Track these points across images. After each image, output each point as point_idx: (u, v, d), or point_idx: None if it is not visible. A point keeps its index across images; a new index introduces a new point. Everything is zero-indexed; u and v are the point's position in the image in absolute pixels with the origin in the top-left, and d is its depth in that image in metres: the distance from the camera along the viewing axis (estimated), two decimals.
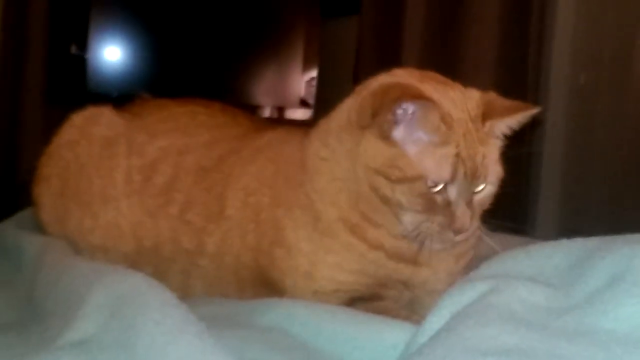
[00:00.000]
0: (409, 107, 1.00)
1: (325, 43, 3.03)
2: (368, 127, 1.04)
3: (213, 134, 1.31)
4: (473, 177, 1.03)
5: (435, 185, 1.01)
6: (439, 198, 1.02)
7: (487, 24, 2.49)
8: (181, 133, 1.32)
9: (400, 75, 1.10)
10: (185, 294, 1.16)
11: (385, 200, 1.03)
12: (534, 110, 1.09)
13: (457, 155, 1.01)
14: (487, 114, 1.06)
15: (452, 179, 1.01)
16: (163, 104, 1.42)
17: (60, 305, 0.97)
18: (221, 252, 1.19)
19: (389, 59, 2.60)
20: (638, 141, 2.46)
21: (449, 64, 2.52)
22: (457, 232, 1.03)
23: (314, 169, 1.12)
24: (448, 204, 1.02)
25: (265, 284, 1.14)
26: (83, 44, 2.76)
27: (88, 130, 1.36)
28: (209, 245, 1.20)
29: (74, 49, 2.75)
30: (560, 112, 2.65)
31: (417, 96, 1.01)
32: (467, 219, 1.03)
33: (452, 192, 1.02)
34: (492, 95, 1.10)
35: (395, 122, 1.01)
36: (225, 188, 1.21)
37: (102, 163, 1.32)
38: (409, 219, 1.03)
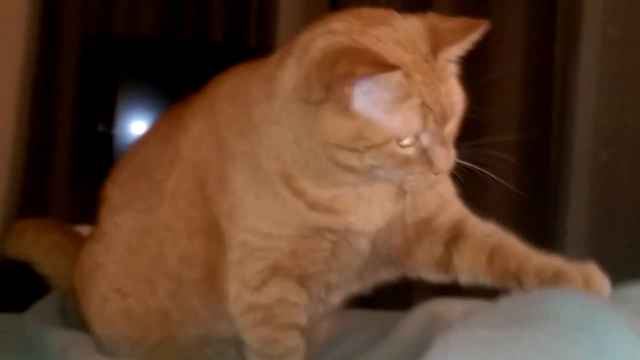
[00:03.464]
0: (359, 72, 0.93)
1: None
2: (321, 104, 0.97)
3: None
4: (442, 120, 0.98)
5: (406, 139, 0.97)
6: (412, 150, 0.98)
7: (510, 103, 2.51)
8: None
9: (339, 32, 0.99)
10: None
11: (352, 170, 0.99)
12: (484, 27, 1.02)
13: (423, 104, 0.96)
14: (437, 45, 0.99)
15: (423, 128, 0.96)
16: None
17: None
18: (176, 192, 1.18)
19: None
20: None
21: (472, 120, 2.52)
22: (438, 172, 1.00)
23: (261, 126, 1.07)
24: (423, 150, 0.98)
25: (212, 231, 1.14)
26: (110, 120, 2.81)
27: None
28: (165, 189, 1.19)
29: (100, 127, 2.80)
30: (583, 189, 2.64)
31: (375, 66, 0.93)
32: (445, 158, 0.99)
33: (425, 140, 0.98)
34: (434, 19, 1.02)
35: (353, 94, 0.94)
36: (179, 138, 1.20)
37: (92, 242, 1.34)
38: (383, 177, 1.01)
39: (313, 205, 1.06)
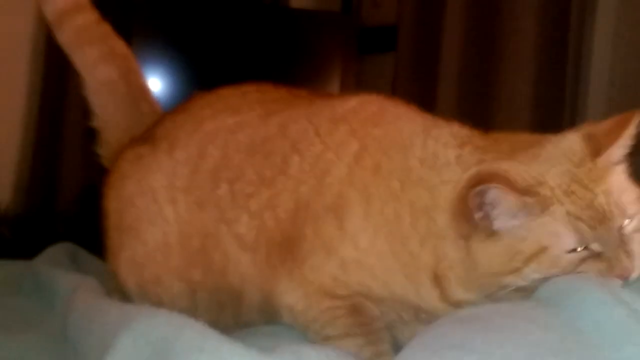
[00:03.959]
0: (485, 196, 0.93)
1: (362, 79, 3.05)
2: (469, 237, 0.96)
3: (268, 107, 1.20)
4: (604, 221, 0.93)
5: (574, 250, 0.93)
6: (581, 254, 0.93)
7: (522, 62, 2.48)
8: (230, 112, 1.21)
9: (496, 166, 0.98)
10: (220, 285, 1.14)
11: (521, 290, 0.95)
12: (637, 117, 0.98)
13: (569, 213, 0.92)
14: (594, 150, 0.96)
15: (583, 238, 0.93)
16: (209, 93, 1.31)
17: (93, 351, 0.98)
18: (262, 209, 1.11)
19: (425, 95, 2.62)
20: None
21: (484, 101, 2.51)
22: (622, 277, 0.94)
23: (417, 212, 1.02)
24: (598, 254, 0.93)
25: (289, 248, 1.08)
26: None
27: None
28: (252, 205, 1.12)
29: None
30: None
31: (483, 181, 0.93)
32: (625, 262, 0.94)
33: (596, 246, 0.93)
34: (590, 128, 1.00)
35: (488, 216, 0.94)
36: (291, 153, 1.12)
37: (139, 177, 1.24)
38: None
39: (447, 300, 1.02)
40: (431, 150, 1.05)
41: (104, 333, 0.96)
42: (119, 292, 1.24)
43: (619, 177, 0.98)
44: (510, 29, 2.47)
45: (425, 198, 1.02)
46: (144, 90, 1.43)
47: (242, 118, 1.20)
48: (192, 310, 1.14)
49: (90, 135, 1.46)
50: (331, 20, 3.21)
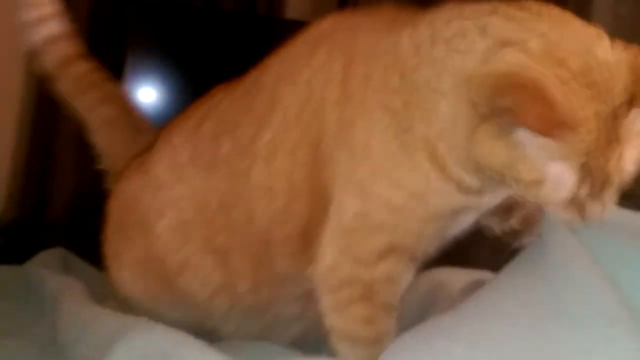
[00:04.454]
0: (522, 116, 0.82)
1: None
2: (485, 120, 0.86)
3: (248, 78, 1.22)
4: (603, 186, 0.86)
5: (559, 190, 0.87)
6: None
7: None
8: (219, 95, 1.24)
9: (534, 55, 0.84)
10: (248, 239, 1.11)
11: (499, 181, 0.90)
12: None
13: (585, 165, 0.84)
14: (636, 98, 0.84)
15: (578, 189, 0.85)
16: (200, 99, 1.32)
17: (86, 359, 0.98)
18: (274, 150, 1.07)
19: None
20: None
21: None
22: (586, 221, 0.88)
23: (420, 91, 0.94)
24: (576, 199, 0.87)
25: (318, 192, 1.03)
26: None
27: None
28: (261, 148, 1.08)
29: None
30: None
31: (549, 126, 0.81)
32: (597, 212, 0.87)
33: (582, 195, 0.86)
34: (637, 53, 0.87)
35: (519, 129, 0.84)
36: (277, 85, 1.09)
37: (141, 174, 1.25)
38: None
39: (462, 188, 0.95)
40: (433, 30, 0.96)
41: (99, 342, 0.97)
42: (115, 300, 1.23)
43: (635, 140, 0.87)
44: None
45: (417, 76, 0.95)
46: (144, 123, 1.48)
47: (228, 93, 1.23)
48: (231, 281, 1.15)
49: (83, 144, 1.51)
50: None
